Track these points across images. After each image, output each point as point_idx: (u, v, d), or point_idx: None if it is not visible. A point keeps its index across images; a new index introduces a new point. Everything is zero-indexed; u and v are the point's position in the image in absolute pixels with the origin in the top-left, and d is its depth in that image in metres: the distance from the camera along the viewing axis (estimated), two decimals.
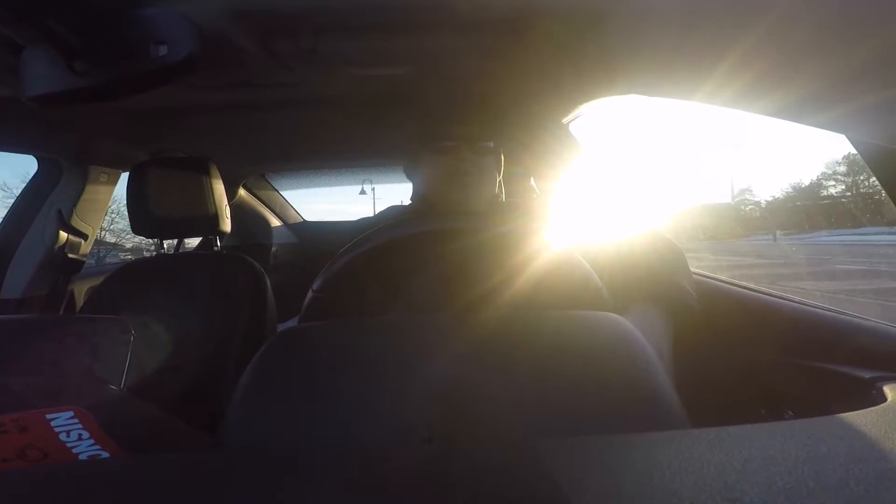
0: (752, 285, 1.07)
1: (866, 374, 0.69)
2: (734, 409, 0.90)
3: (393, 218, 1.12)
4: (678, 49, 0.67)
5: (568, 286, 0.68)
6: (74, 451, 0.43)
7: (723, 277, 1.13)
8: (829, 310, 0.90)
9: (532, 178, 1.57)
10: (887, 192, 0.67)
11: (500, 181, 1.13)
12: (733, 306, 1.03)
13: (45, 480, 0.37)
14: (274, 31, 0.77)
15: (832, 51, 0.52)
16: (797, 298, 0.97)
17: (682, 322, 0.89)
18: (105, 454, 0.43)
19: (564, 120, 1.25)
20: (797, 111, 0.64)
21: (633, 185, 1.26)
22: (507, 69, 0.97)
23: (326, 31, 0.78)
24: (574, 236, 0.79)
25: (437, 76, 1.04)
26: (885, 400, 0.51)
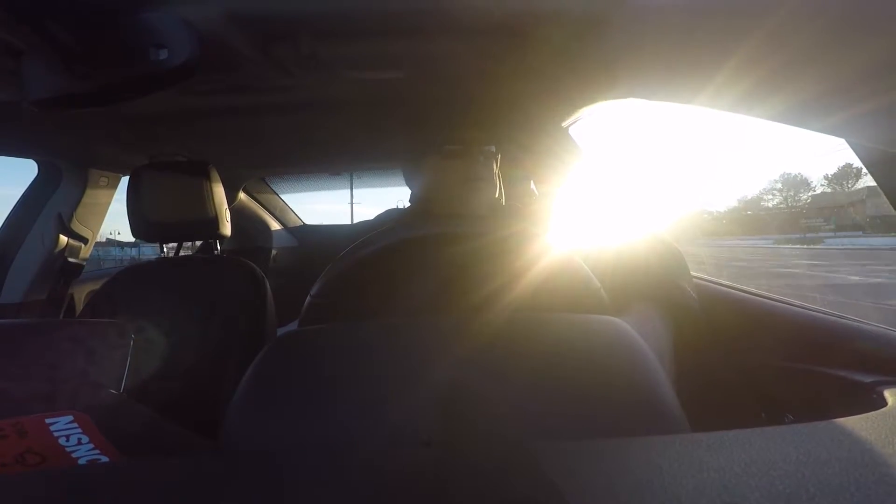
0: (752, 289, 1.07)
1: (866, 379, 0.69)
2: (734, 412, 0.90)
3: (391, 221, 1.12)
4: (679, 53, 0.67)
5: (568, 290, 0.68)
6: (74, 455, 0.43)
7: (723, 281, 1.13)
8: (829, 314, 0.90)
9: (532, 182, 1.58)
10: (886, 194, 0.67)
11: (499, 184, 1.13)
12: (733, 310, 1.03)
13: (44, 485, 0.37)
14: (273, 35, 0.77)
15: (832, 56, 0.52)
16: (797, 302, 0.97)
17: (682, 325, 0.89)
18: (104, 458, 0.43)
19: (564, 123, 1.26)
20: (796, 116, 0.64)
21: (633, 188, 1.26)
22: (507, 73, 0.97)
23: (326, 36, 0.78)
24: (574, 240, 0.79)
25: (436, 80, 1.04)
26: (886, 404, 0.51)
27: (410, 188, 1.17)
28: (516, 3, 0.70)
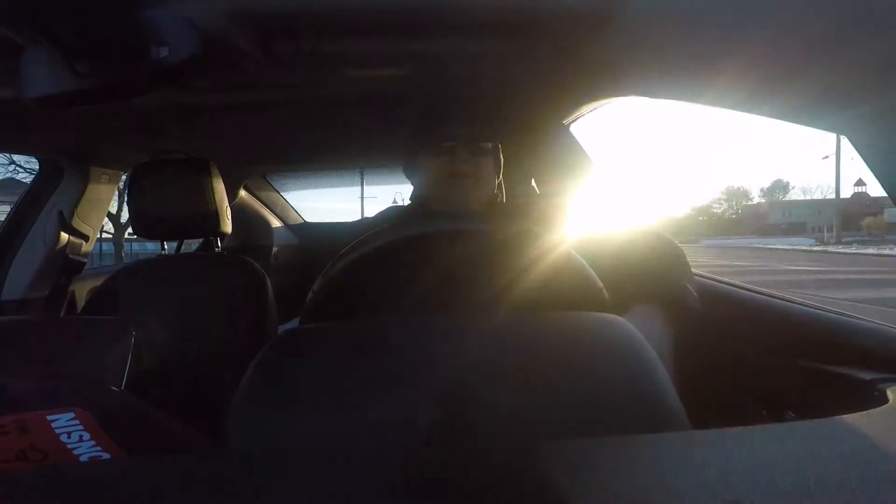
0: (753, 287, 1.07)
1: (867, 376, 0.69)
2: (735, 410, 0.90)
3: (393, 219, 1.12)
4: (682, 52, 0.67)
5: (570, 289, 0.68)
6: (75, 452, 0.43)
7: (724, 279, 1.13)
8: (830, 311, 0.90)
9: (533, 180, 1.57)
10: (886, 191, 0.67)
11: (499, 182, 1.12)
12: (734, 308, 1.03)
13: (45, 482, 0.37)
14: (274, 33, 0.77)
15: (835, 55, 0.52)
16: (798, 300, 0.97)
17: (683, 323, 0.89)
18: (106, 455, 0.43)
19: (566, 121, 1.25)
20: (799, 114, 0.64)
21: (634, 185, 1.26)
22: (509, 71, 0.97)
23: (327, 33, 0.78)
24: (575, 238, 0.79)
25: (438, 78, 1.04)
26: (886, 401, 0.51)
27: (412, 185, 1.17)
28: (519, 1, 0.70)
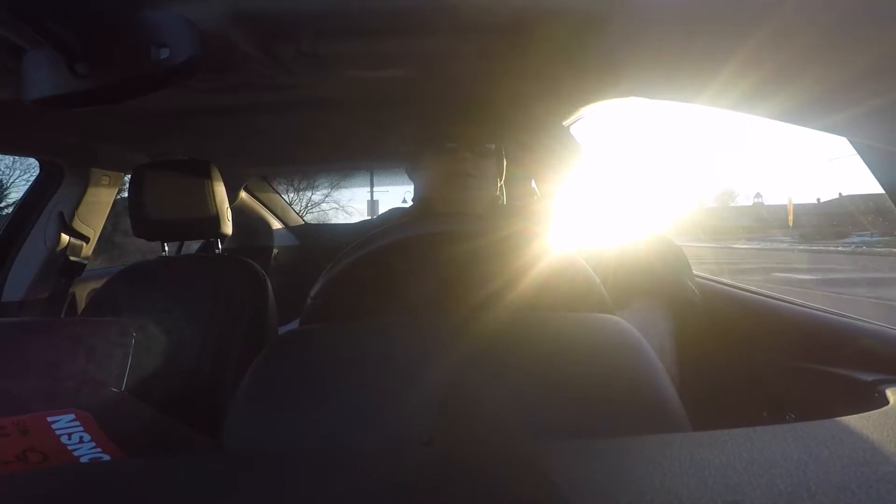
0: (753, 288, 1.07)
1: (868, 377, 0.69)
2: (736, 411, 0.90)
3: (394, 220, 1.12)
4: (681, 52, 0.67)
5: (570, 289, 0.68)
6: (76, 453, 0.43)
7: (725, 280, 1.13)
8: (831, 312, 0.90)
9: (533, 181, 1.58)
10: (887, 192, 0.67)
11: (501, 184, 1.12)
12: (735, 309, 1.03)
13: (46, 483, 0.37)
14: (275, 34, 0.77)
15: (835, 55, 0.52)
16: (799, 301, 0.97)
17: (684, 323, 0.89)
18: (106, 457, 0.43)
19: (565, 122, 1.25)
20: (799, 115, 0.64)
21: (634, 186, 1.26)
22: (508, 71, 0.97)
23: (327, 35, 0.78)
24: (576, 239, 0.79)
25: (438, 79, 1.04)
26: (887, 403, 0.51)
27: (414, 186, 1.17)
28: (518, 2, 0.70)
